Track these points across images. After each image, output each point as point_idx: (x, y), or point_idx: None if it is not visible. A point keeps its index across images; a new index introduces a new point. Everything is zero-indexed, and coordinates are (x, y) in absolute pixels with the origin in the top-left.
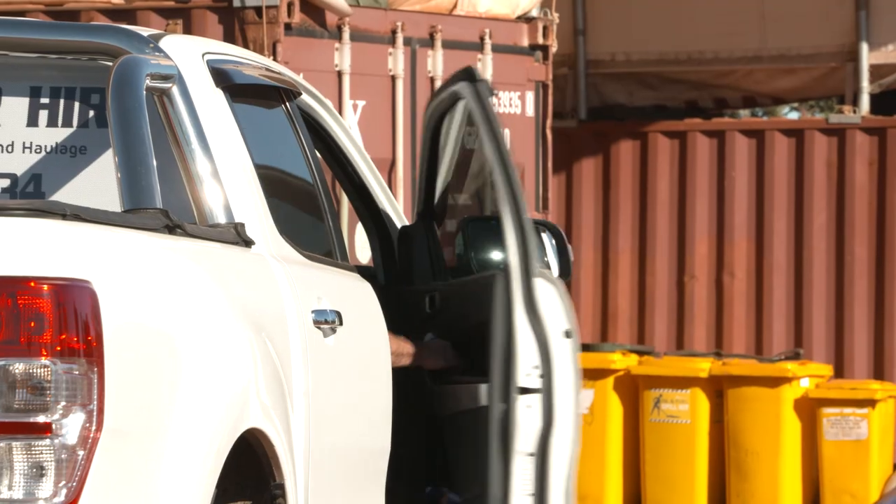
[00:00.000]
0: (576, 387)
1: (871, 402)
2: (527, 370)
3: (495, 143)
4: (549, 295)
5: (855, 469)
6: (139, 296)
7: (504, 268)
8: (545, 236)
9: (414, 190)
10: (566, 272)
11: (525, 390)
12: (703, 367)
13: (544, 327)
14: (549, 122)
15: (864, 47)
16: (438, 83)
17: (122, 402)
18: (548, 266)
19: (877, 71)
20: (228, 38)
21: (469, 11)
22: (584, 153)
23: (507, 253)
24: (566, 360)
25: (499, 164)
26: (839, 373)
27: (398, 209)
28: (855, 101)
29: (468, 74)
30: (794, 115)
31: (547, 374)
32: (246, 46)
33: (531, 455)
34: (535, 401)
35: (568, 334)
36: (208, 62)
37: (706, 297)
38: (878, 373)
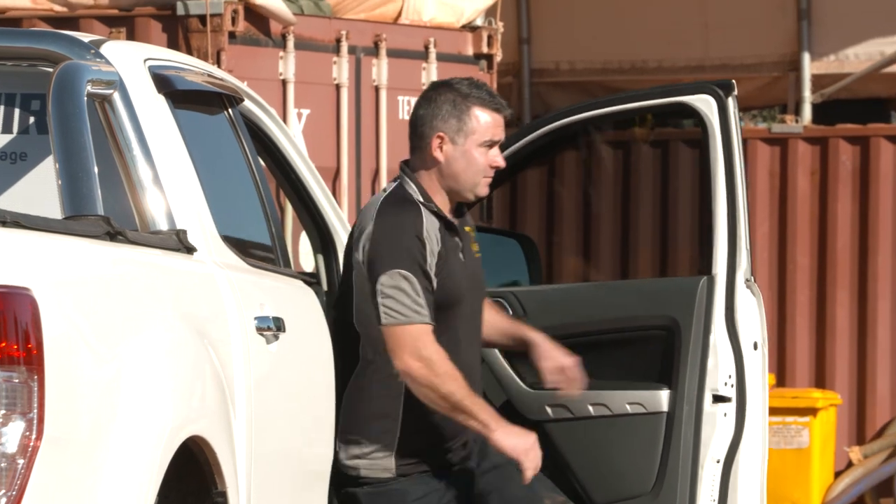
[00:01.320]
0: (764, 397)
1: (812, 411)
2: (724, 379)
3: (728, 158)
4: (749, 305)
5: (796, 477)
6: (80, 303)
7: (707, 276)
8: (518, 245)
9: (359, 198)
10: (537, 280)
11: (719, 398)
12: None
13: (739, 337)
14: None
15: (807, 57)
16: (383, 92)
17: (63, 410)
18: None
19: (819, 81)
20: (172, 46)
21: (414, 20)
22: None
23: (715, 260)
24: (757, 370)
25: (726, 175)
26: (781, 381)
27: (342, 217)
28: (797, 111)
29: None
30: None
31: (740, 384)
32: (190, 55)
33: (718, 462)
34: (730, 409)
35: (755, 346)
36: (150, 68)
37: None
38: (820, 381)
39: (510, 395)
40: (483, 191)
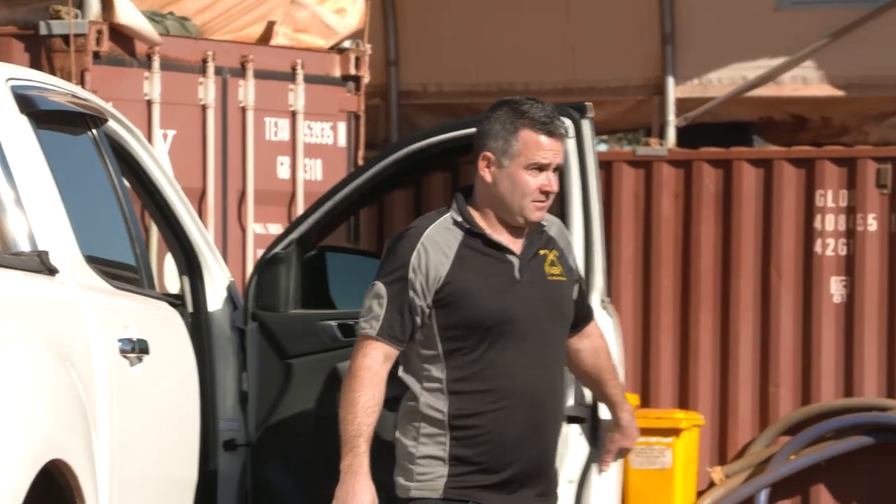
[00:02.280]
0: None
1: (675, 432)
2: (578, 399)
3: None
4: (605, 327)
5: (660, 497)
6: None
7: None
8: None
9: (226, 219)
10: None
11: (573, 419)
12: None
13: None
14: (361, 152)
15: (671, 81)
16: (250, 113)
17: None
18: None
19: (682, 104)
20: (35, 66)
21: (280, 43)
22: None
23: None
24: None
25: (582, 197)
26: (645, 402)
27: (208, 239)
28: (661, 134)
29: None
30: (602, 147)
31: (594, 405)
32: (53, 75)
33: (571, 482)
34: (584, 430)
35: None
36: (12, 88)
37: None
38: (683, 402)
39: None
40: (534, 215)
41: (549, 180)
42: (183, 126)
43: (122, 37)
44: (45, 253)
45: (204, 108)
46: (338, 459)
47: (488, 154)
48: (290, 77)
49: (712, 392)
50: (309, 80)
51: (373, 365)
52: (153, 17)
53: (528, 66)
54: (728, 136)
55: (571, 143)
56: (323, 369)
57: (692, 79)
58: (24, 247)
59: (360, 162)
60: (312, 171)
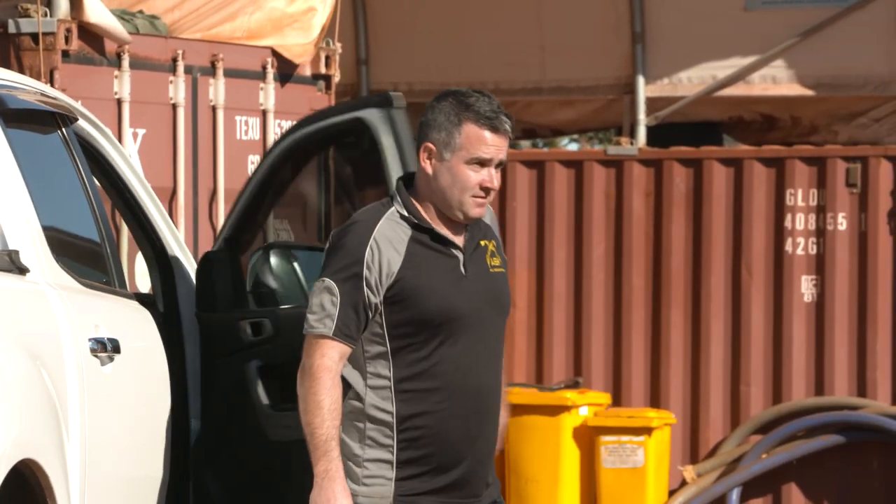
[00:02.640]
0: None
1: (647, 430)
2: None
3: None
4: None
5: (632, 496)
6: None
7: None
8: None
9: (196, 218)
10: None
11: None
12: None
13: None
14: (331, 151)
15: (641, 80)
16: (220, 112)
17: None
18: None
19: (653, 104)
20: (4, 65)
21: (251, 40)
22: (365, 182)
23: None
24: None
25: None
26: (617, 401)
27: (178, 237)
28: (632, 133)
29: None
30: (573, 147)
31: None
32: (22, 73)
33: None
34: None
35: None
36: None
37: None
38: (655, 401)
39: (257, 414)
40: (473, 211)
41: (491, 176)
42: (153, 125)
43: (91, 35)
44: (16, 252)
45: (174, 106)
46: (259, 463)
47: (429, 145)
48: (261, 76)
49: (684, 391)
50: (279, 78)
51: (331, 366)
52: (123, 15)
53: (498, 65)
54: (698, 135)
55: (385, 132)
56: (237, 370)
57: (662, 78)
58: None
59: (331, 161)
60: None
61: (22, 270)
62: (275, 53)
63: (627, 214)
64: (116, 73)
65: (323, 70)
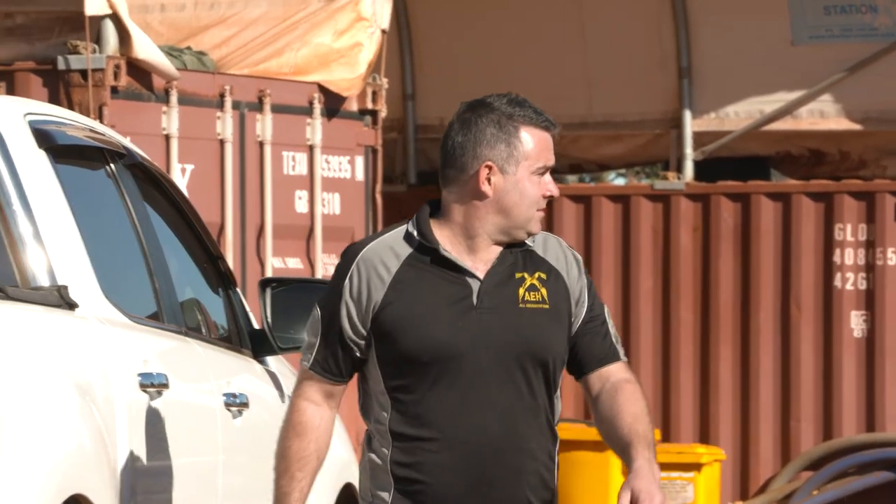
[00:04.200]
0: None
1: (697, 466)
2: None
3: None
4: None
5: None
6: None
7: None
8: None
9: (244, 253)
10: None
11: None
12: None
13: None
14: (378, 186)
15: (688, 115)
16: (268, 147)
17: None
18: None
19: (700, 138)
20: (54, 101)
21: (298, 75)
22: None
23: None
24: None
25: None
26: (666, 437)
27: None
28: (679, 168)
29: None
30: (620, 181)
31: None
32: (71, 109)
33: None
34: None
35: None
36: (30, 123)
37: None
38: (704, 437)
39: None
40: (536, 227)
41: (550, 183)
42: (201, 160)
43: (139, 71)
44: (65, 287)
45: (222, 142)
46: None
47: (490, 163)
48: (308, 111)
49: (733, 426)
50: (326, 114)
51: (307, 407)
52: (171, 51)
53: (544, 99)
54: (746, 169)
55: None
56: None
57: (709, 112)
58: (44, 281)
59: (378, 196)
60: (330, 205)
61: (71, 306)
62: (321, 89)
63: (675, 249)
64: (164, 108)
65: (369, 105)
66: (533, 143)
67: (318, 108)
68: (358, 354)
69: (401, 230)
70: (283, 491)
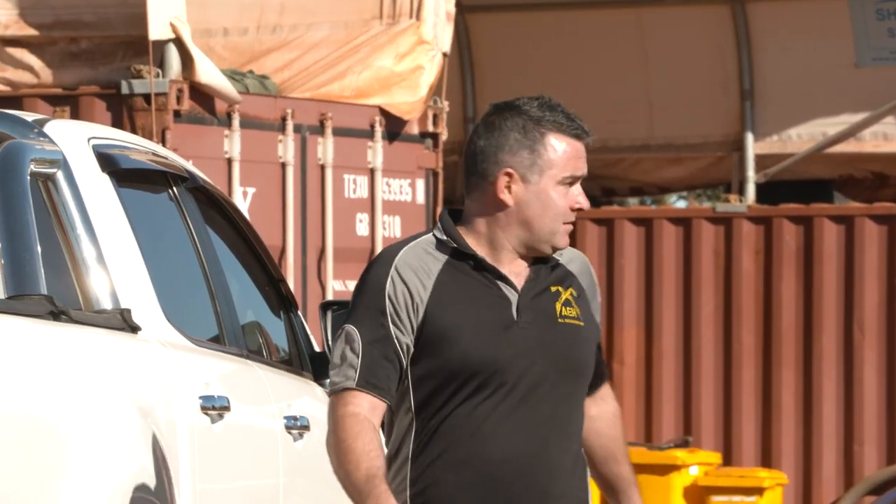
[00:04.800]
0: None
1: (759, 490)
2: None
3: None
4: None
5: None
6: (23, 383)
7: None
8: None
9: (305, 276)
10: None
11: None
12: None
13: None
14: (439, 209)
15: (750, 137)
16: (329, 170)
17: (5, 491)
18: None
19: (762, 161)
20: (117, 125)
21: (359, 98)
22: None
23: None
24: None
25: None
26: (728, 460)
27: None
28: (741, 190)
29: None
30: (681, 204)
31: None
32: (134, 133)
33: None
34: None
35: None
36: (94, 147)
37: None
38: (766, 461)
39: None
40: (562, 241)
41: (580, 195)
42: (262, 184)
43: (202, 95)
44: (128, 310)
45: (283, 165)
46: None
47: (510, 171)
48: (369, 134)
49: (795, 450)
50: (387, 136)
51: (358, 412)
52: (233, 75)
53: (606, 122)
54: (808, 192)
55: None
56: None
57: (772, 135)
58: (107, 304)
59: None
60: (391, 228)
61: (134, 329)
62: (383, 112)
63: (737, 272)
64: (227, 132)
65: (430, 128)
66: (560, 151)
67: (379, 131)
68: (404, 363)
69: (429, 237)
70: (367, 476)
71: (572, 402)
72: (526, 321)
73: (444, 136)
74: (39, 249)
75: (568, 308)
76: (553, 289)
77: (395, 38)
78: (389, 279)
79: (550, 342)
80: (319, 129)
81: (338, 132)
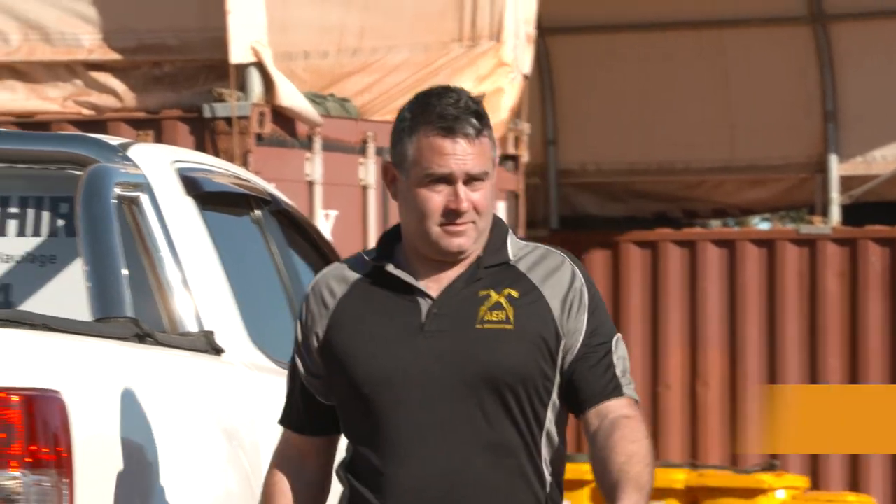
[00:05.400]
0: None
1: None
2: None
3: None
4: None
5: None
6: (109, 406)
7: None
8: None
9: None
10: None
11: None
12: (679, 478)
13: None
14: (520, 231)
15: (834, 159)
16: None
17: None
18: None
19: (846, 182)
20: (199, 148)
21: None
22: None
23: None
24: None
25: None
26: (815, 484)
27: None
28: (825, 212)
29: None
30: (765, 226)
31: None
32: (217, 156)
33: None
34: None
35: None
36: (178, 170)
37: (680, 406)
38: (854, 485)
39: None
40: (447, 243)
41: (459, 195)
42: (344, 206)
43: (284, 118)
44: (212, 333)
45: (364, 188)
46: None
47: (388, 166)
48: None
49: (884, 474)
50: None
51: (272, 476)
52: (314, 98)
53: (687, 144)
54: (893, 213)
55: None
56: None
57: (856, 156)
58: (191, 327)
59: None
60: None
61: (218, 351)
62: None
63: (821, 294)
64: (308, 155)
65: (511, 150)
66: (423, 147)
67: None
68: (323, 400)
69: (361, 253)
70: None
71: (498, 412)
72: (435, 329)
73: (524, 159)
74: (124, 272)
75: (495, 312)
76: (483, 293)
77: (475, 60)
78: (300, 310)
79: (463, 350)
80: None
81: None
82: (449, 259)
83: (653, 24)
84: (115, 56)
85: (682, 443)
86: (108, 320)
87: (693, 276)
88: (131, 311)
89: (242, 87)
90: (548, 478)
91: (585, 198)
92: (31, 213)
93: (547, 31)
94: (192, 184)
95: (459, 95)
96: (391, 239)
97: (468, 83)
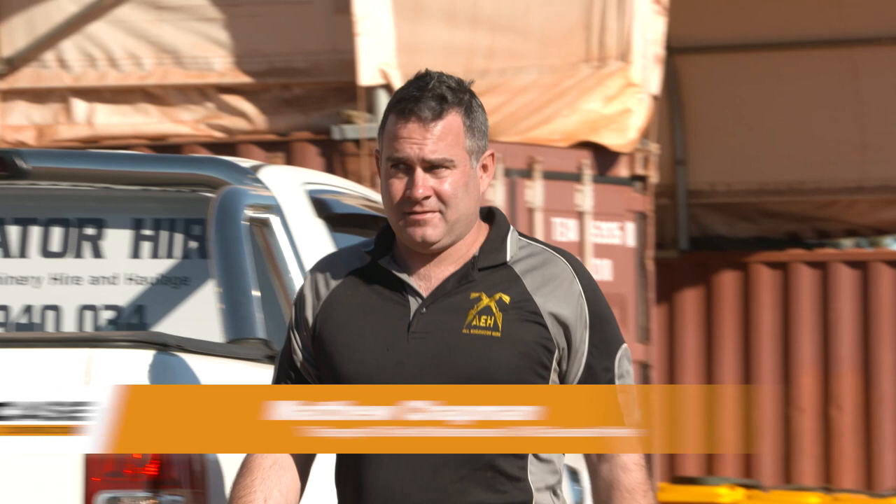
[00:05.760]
0: None
1: None
2: None
3: None
4: None
5: None
6: None
7: None
8: None
9: None
10: None
11: None
12: (812, 501)
13: None
14: (650, 252)
15: None
16: (538, 214)
17: None
18: None
19: None
20: (328, 170)
21: (567, 142)
22: (685, 284)
23: None
24: None
25: None
26: (868, 487)
27: None
28: None
29: None
30: None
31: None
32: (346, 178)
33: None
34: None
35: None
36: (307, 192)
37: (813, 429)
38: None
39: None
40: (411, 234)
41: (414, 182)
42: None
43: None
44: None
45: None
46: None
47: (375, 154)
48: (577, 178)
49: None
50: (596, 180)
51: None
52: None
53: (818, 163)
54: None
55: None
56: None
57: None
58: None
59: (649, 262)
60: (602, 272)
61: None
62: (594, 150)
63: None
64: None
65: (640, 171)
66: (386, 132)
67: (588, 174)
68: (311, 373)
69: (364, 241)
70: None
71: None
72: (422, 330)
73: (653, 179)
74: (256, 294)
75: (483, 317)
76: (473, 295)
77: (602, 80)
78: (299, 291)
79: (446, 355)
80: (528, 173)
81: (546, 175)
82: (422, 251)
83: (782, 43)
84: (245, 79)
85: (816, 466)
86: (240, 341)
87: (825, 298)
88: (263, 332)
89: (371, 108)
90: (531, 485)
91: (715, 218)
92: (164, 235)
93: (676, 51)
94: (322, 206)
95: (432, 77)
96: (391, 231)
97: (596, 104)
